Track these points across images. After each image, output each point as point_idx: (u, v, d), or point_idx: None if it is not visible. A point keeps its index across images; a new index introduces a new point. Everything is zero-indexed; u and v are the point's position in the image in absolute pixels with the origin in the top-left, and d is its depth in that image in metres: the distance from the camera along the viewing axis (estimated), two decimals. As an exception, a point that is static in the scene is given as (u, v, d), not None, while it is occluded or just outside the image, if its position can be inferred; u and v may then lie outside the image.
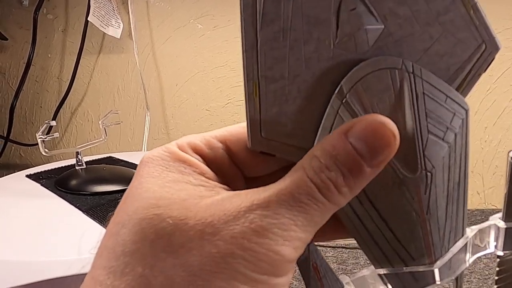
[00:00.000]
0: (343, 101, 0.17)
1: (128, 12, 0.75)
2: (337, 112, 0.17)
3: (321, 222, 0.16)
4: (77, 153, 0.52)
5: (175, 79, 0.79)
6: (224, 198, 0.16)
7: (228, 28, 0.75)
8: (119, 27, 0.75)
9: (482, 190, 0.74)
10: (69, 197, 0.48)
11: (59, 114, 0.82)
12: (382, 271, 0.20)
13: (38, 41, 0.79)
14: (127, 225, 0.17)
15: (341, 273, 0.52)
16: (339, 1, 0.16)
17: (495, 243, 0.20)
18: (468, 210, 0.71)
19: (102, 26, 0.74)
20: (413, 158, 0.18)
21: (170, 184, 0.17)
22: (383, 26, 0.17)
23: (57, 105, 0.81)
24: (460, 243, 0.19)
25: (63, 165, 0.59)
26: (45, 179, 0.52)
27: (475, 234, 0.20)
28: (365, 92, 0.17)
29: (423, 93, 0.17)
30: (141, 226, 0.16)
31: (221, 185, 0.18)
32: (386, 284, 0.20)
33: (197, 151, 0.19)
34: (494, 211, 0.69)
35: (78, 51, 0.78)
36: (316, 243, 0.19)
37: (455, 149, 0.18)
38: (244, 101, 0.18)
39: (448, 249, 0.19)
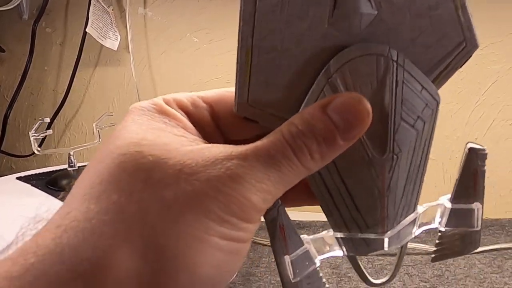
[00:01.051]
0: (329, 80, 0.18)
1: (126, 26, 0.77)
2: (322, 90, 0.18)
3: (291, 182, 0.18)
4: (70, 154, 0.52)
5: (171, 91, 0.79)
6: (204, 147, 0.17)
7: (224, 42, 0.77)
8: (116, 39, 0.76)
9: (474, 202, 0.74)
10: (61, 196, 0.47)
11: (53, 125, 0.82)
12: (339, 234, 0.21)
13: (35, 54, 0.80)
14: (106, 159, 0.17)
15: (334, 276, 0.52)
16: None
17: (439, 220, 0.22)
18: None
19: (100, 38, 0.75)
20: (383, 140, 0.19)
21: (154, 131, 0.18)
22: (376, 12, 0.18)
23: (51, 117, 0.81)
24: (410, 218, 0.21)
25: (55, 169, 0.59)
26: (35, 180, 0.52)
27: (425, 211, 0.22)
28: (351, 74, 0.18)
29: (403, 81, 0.19)
30: (120, 160, 0.17)
31: (202, 140, 0.19)
32: (341, 246, 0.22)
33: (182, 108, 0.20)
34: (487, 221, 0.69)
35: (74, 63, 0.79)
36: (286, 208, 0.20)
37: (421, 136, 0.20)
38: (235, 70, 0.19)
39: (399, 222, 0.21)
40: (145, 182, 0.16)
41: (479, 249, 0.59)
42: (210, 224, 0.16)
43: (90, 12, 0.73)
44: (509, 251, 0.59)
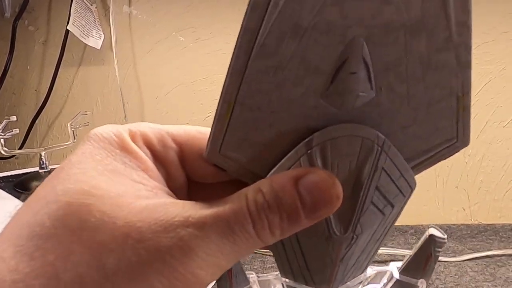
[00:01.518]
0: (308, 151, 0.17)
1: (110, 24, 0.75)
2: (299, 158, 0.18)
3: (244, 254, 0.17)
4: (41, 155, 0.49)
5: (156, 91, 0.78)
6: (160, 205, 0.16)
7: (210, 40, 0.75)
8: (100, 38, 0.74)
9: (468, 206, 0.72)
10: (22, 198, 0.45)
11: (35, 126, 0.80)
12: (285, 280, 0.22)
13: (17, 53, 0.78)
14: (51, 205, 0.15)
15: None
16: (344, 59, 0.16)
17: (384, 282, 0.24)
18: (454, 225, 0.69)
19: (82, 36, 0.73)
20: (347, 220, 0.19)
21: (110, 174, 0.16)
22: (374, 95, 0.17)
23: (32, 118, 0.79)
24: (357, 279, 0.22)
25: (26, 171, 0.56)
26: (4, 182, 0.50)
27: (374, 274, 0.24)
28: (331, 151, 0.18)
29: (383, 168, 0.18)
30: (65, 211, 0.15)
31: (162, 187, 0.18)
32: None
33: (148, 145, 0.18)
34: (480, 226, 0.67)
35: (56, 62, 0.77)
36: None
37: (387, 219, 0.19)
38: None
39: (346, 282, 0.21)
40: (86, 245, 0.14)
41: (471, 255, 0.58)
42: None
43: (72, 10, 0.71)
44: (503, 257, 0.57)
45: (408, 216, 0.55)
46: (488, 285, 0.51)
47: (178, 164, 0.19)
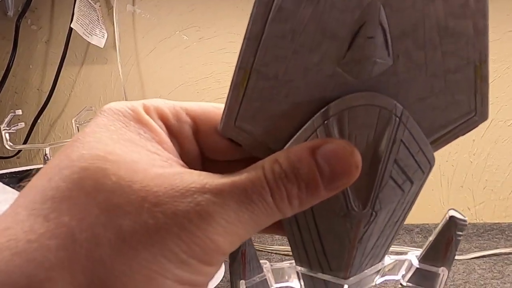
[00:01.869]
0: (325, 122, 0.17)
1: (113, 23, 0.75)
2: (316, 130, 0.17)
3: (264, 225, 0.16)
4: (45, 151, 0.49)
5: (159, 90, 0.78)
6: (176, 173, 0.16)
7: (214, 40, 0.75)
8: (103, 36, 0.74)
9: (473, 206, 0.72)
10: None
11: (37, 125, 0.79)
12: (300, 269, 0.21)
13: (20, 52, 0.78)
14: (66, 170, 0.15)
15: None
16: (361, 24, 0.16)
17: (403, 273, 0.23)
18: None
19: (86, 35, 0.73)
20: (366, 195, 0.18)
21: (125, 143, 0.16)
22: (391, 63, 0.16)
23: (35, 117, 0.79)
24: (375, 267, 0.21)
25: (30, 168, 0.56)
26: (8, 178, 0.49)
27: (391, 263, 0.23)
28: (349, 121, 0.17)
29: (401, 140, 0.17)
30: (80, 174, 0.15)
31: (176, 159, 0.17)
32: (299, 280, 0.21)
33: (162, 118, 0.18)
34: (486, 225, 0.67)
35: (59, 61, 0.76)
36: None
37: (406, 197, 0.19)
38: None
39: (363, 270, 0.21)
40: (102, 207, 0.14)
41: (479, 253, 0.57)
42: (168, 266, 0.14)
43: (75, 8, 0.71)
44: (510, 256, 0.57)
45: (413, 216, 0.55)
46: (497, 282, 0.50)
47: (192, 139, 0.19)
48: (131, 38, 0.77)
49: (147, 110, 0.18)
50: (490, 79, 0.63)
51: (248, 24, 0.16)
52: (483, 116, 0.18)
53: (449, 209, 0.21)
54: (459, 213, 0.21)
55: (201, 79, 0.77)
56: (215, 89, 0.77)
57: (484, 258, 0.56)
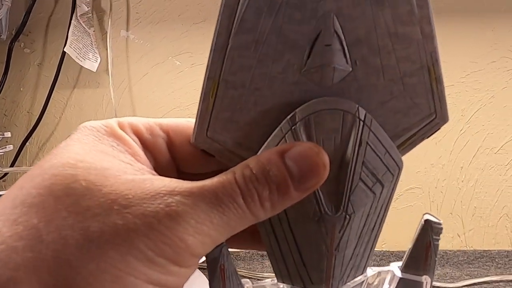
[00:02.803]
0: (293, 128, 0.18)
1: (107, 48, 0.76)
2: (284, 136, 0.18)
3: (236, 228, 0.16)
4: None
5: (150, 114, 0.78)
6: (147, 179, 0.16)
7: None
8: (96, 61, 0.75)
9: (462, 233, 0.72)
10: None
11: (25, 148, 0.78)
12: (282, 285, 0.21)
13: (12, 74, 0.77)
14: (37, 178, 0.15)
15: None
16: (318, 33, 0.17)
17: (388, 286, 0.23)
18: (450, 251, 0.69)
19: (78, 59, 0.73)
20: (338, 198, 0.18)
21: (96, 152, 0.16)
22: (351, 69, 0.18)
23: (23, 140, 0.78)
24: (357, 280, 0.21)
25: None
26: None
27: (374, 274, 0.22)
28: (315, 126, 0.18)
29: (367, 142, 0.18)
30: (51, 181, 0.15)
31: (150, 170, 0.18)
32: None
33: (136, 133, 0.18)
34: (476, 252, 0.67)
35: (51, 84, 0.76)
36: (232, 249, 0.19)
37: (378, 200, 0.19)
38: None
39: (346, 282, 0.20)
40: (71, 210, 0.14)
41: (470, 281, 0.57)
42: (136, 265, 0.14)
43: (70, 32, 0.72)
44: (501, 283, 0.57)
45: (404, 242, 0.55)
46: (488, 310, 0.50)
47: (166, 152, 0.19)
48: (124, 63, 0.77)
49: (121, 126, 0.18)
50: (476, 108, 0.65)
51: (214, 36, 0.17)
52: (443, 119, 0.19)
53: (424, 214, 0.21)
54: (434, 217, 0.21)
55: (192, 103, 0.77)
56: (206, 114, 0.77)
57: (475, 286, 0.56)
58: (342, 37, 0.17)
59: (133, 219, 0.14)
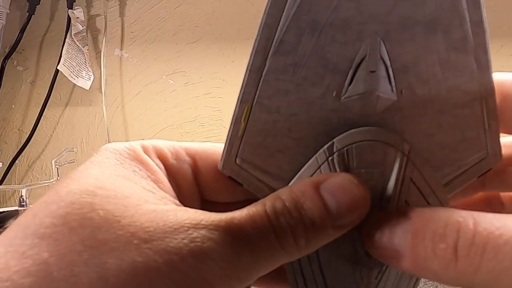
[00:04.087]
0: (329, 158, 0.16)
1: (100, 66, 0.76)
2: (319, 167, 0.16)
3: (267, 268, 0.15)
4: (21, 192, 0.47)
5: (142, 133, 0.78)
6: (170, 209, 0.14)
7: (200, 84, 0.76)
8: (89, 79, 0.75)
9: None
10: None
11: (14, 165, 0.77)
12: None
13: (3, 92, 0.77)
14: (52, 205, 0.14)
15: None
16: (363, 57, 0.16)
17: None
18: None
19: (72, 77, 0.73)
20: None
21: (117, 178, 0.15)
22: (396, 99, 0.16)
23: (13, 157, 0.77)
24: None
25: (4, 210, 0.54)
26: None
27: None
28: (355, 158, 0.16)
29: (411, 179, 0.16)
30: (67, 210, 0.14)
31: (173, 199, 0.16)
32: None
33: (161, 158, 0.17)
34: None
35: (43, 102, 0.76)
36: None
37: None
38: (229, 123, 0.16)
39: None
40: (86, 243, 0.13)
41: None
42: None
43: (63, 50, 0.72)
44: None
45: None
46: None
47: (191, 179, 0.18)
48: (117, 81, 0.78)
49: (145, 150, 0.17)
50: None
51: (250, 57, 0.16)
52: (496, 157, 0.17)
53: None
54: None
55: (185, 122, 0.77)
56: (199, 132, 0.77)
57: None
58: (388, 63, 0.16)
59: (154, 256, 0.13)
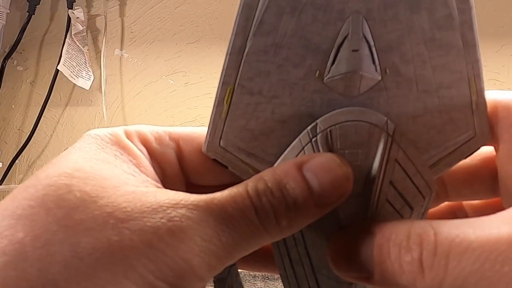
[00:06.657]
0: (313, 139, 0.16)
1: (100, 66, 0.76)
2: (303, 148, 0.16)
3: (248, 248, 0.14)
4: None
5: (143, 133, 0.78)
6: (149, 191, 0.14)
7: (200, 84, 0.76)
8: (89, 79, 0.75)
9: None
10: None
11: (14, 165, 0.77)
12: None
13: (3, 92, 0.77)
14: (30, 188, 0.14)
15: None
16: (345, 37, 0.15)
17: None
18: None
19: (72, 77, 0.73)
20: (361, 220, 0.16)
21: (97, 161, 0.15)
22: (380, 78, 0.16)
23: (13, 157, 0.77)
24: None
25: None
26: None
27: None
28: (339, 138, 0.16)
29: (395, 160, 0.16)
30: (44, 192, 0.14)
31: (154, 183, 0.16)
32: None
33: (144, 143, 0.17)
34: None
35: (43, 102, 0.76)
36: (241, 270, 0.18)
37: None
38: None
39: None
40: (61, 223, 0.13)
41: None
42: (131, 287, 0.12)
43: (63, 51, 0.72)
44: None
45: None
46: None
47: (176, 163, 0.18)
48: (117, 81, 0.78)
49: (128, 135, 0.17)
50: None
51: (230, 39, 0.15)
52: (484, 137, 0.16)
53: None
54: None
55: (185, 122, 0.77)
56: (199, 132, 0.77)
57: None
58: (372, 42, 0.15)
59: (130, 235, 0.13)
